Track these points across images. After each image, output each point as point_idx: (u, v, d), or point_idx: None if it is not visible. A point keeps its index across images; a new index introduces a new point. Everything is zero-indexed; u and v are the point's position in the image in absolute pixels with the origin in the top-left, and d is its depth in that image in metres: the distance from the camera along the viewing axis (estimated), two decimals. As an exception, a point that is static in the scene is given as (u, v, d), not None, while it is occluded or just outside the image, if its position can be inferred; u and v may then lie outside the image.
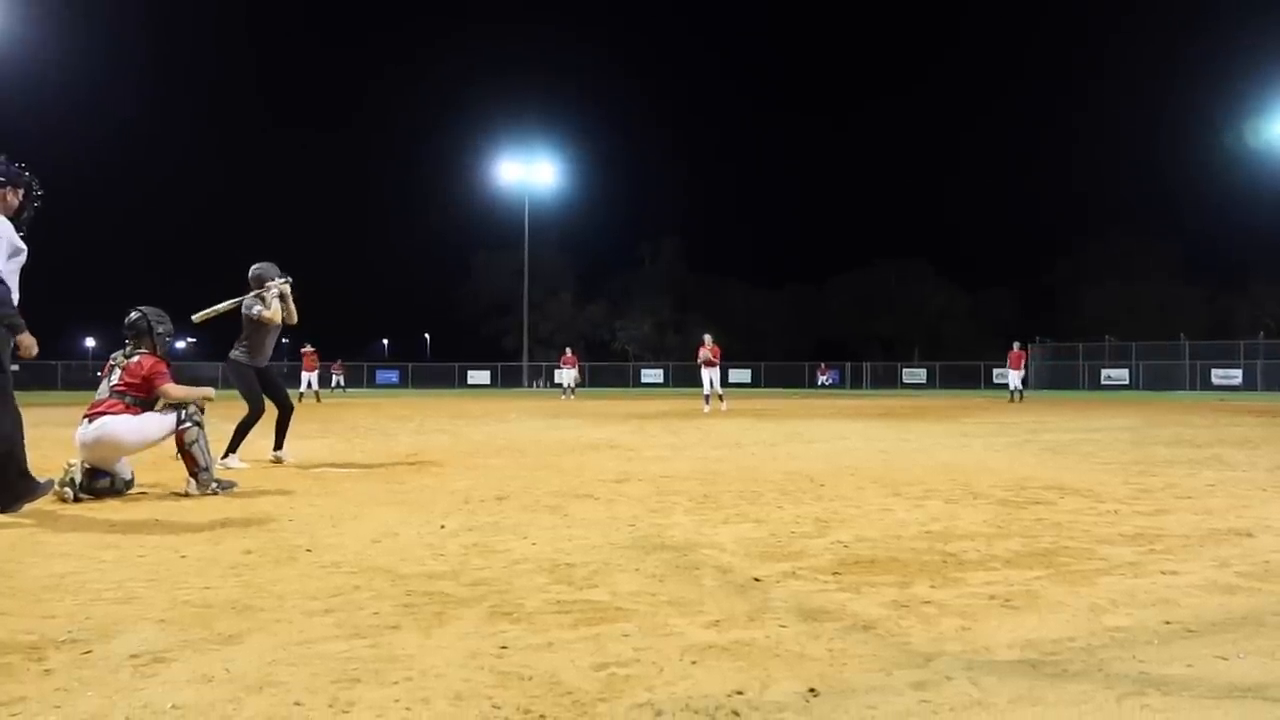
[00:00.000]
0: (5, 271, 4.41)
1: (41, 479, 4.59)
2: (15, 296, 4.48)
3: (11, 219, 4.54)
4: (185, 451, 5.12)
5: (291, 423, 7.21)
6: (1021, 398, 24.26)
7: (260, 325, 6.81)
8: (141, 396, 5.14)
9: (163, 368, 5.22)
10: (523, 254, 50.46)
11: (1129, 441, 9.12)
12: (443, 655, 2.15)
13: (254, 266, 7.00)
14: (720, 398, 18.15)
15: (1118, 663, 2.09)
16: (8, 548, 3.53)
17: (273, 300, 6.83)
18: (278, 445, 7.03)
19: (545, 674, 2.01)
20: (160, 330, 5.36)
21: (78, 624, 2.42)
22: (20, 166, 4.66)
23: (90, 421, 5.02)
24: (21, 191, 4.61)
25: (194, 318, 6.69)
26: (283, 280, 6.97)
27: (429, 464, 6.91)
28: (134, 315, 5.35)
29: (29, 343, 4.43)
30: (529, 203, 50.22)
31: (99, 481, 4.97)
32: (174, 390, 5.19)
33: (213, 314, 6.74)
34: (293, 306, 7.06)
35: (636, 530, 3.89)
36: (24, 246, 4.52)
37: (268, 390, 6.92)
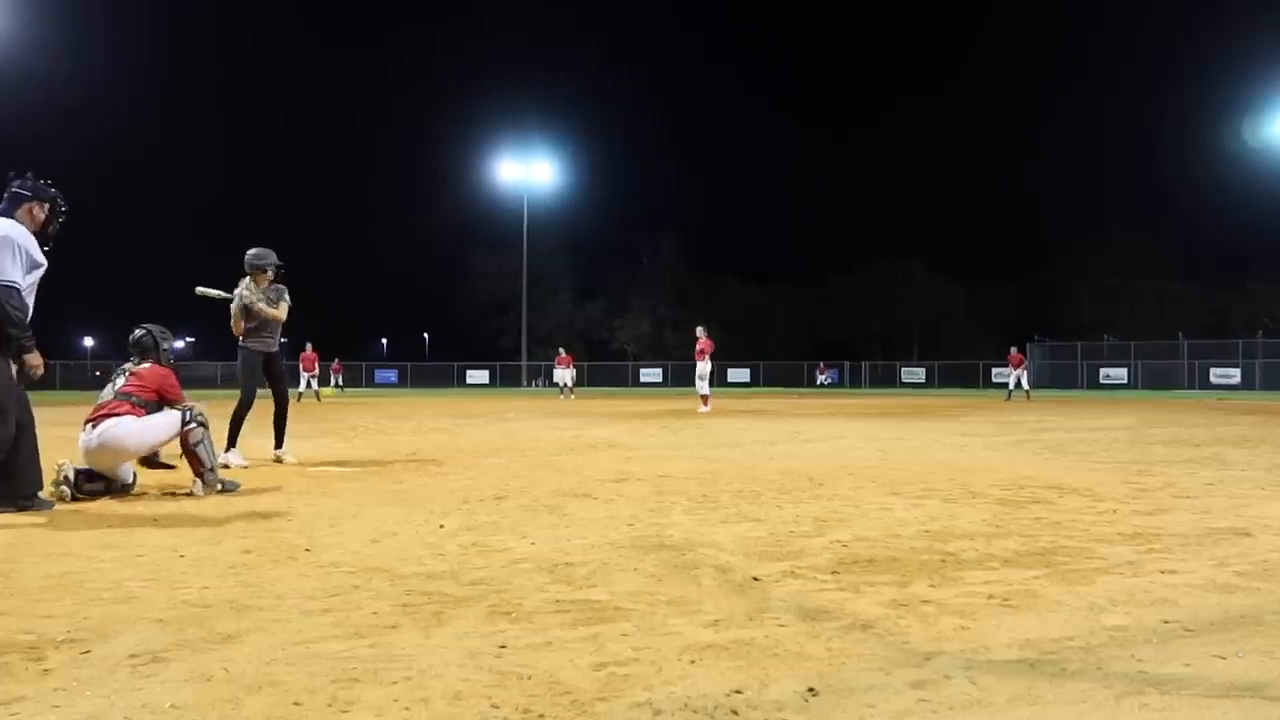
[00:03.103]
0: (25, 286, 4.41)
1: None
2: (29, 308, 4.48)
3: (37, 234, 4.57)
4: (190, 452, 5.11)
5: (289, 420, 7.21)
6: (1029, 396, 24.60)
7: (249, 313, 6.86)
8: (149, 399, 5.18)
9: (173, 380, 5.38)
10: (521, 253, 50.45)
11: (1127, 441, 9.13)
12: (442, 655, 2.15)
13: (250, 252, 6.98)
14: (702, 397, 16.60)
15: (1116, 662, 2.09)
16: (6, 547, 3.53)
17: (236, 307, 6.82)
18: (278, 444, 7.03)
19: (544, 673, 2.01)
20: (165, 346, 5.54)
21: (76, 624, 2.41)
22: (46, 182, 4.69)
23: (94, 426, 4.99)
24: (47, 207, 4.64)
25: (197, 290, 6.74)
26: (237, 297, 6.82)
27: (428, 463, 6.90)
28: (139, 333, 5.49)
29: (36, 363, 4.44)
30: (527, 202, 50.22)
31: (92, 484, 4.95)
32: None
33: (211, 296, 6.83)
34: (240, 321, 6.88)
35: (635, 530, 3.89)
36: (44, 262, 4.54)
37: (270, 379, 6.99)
